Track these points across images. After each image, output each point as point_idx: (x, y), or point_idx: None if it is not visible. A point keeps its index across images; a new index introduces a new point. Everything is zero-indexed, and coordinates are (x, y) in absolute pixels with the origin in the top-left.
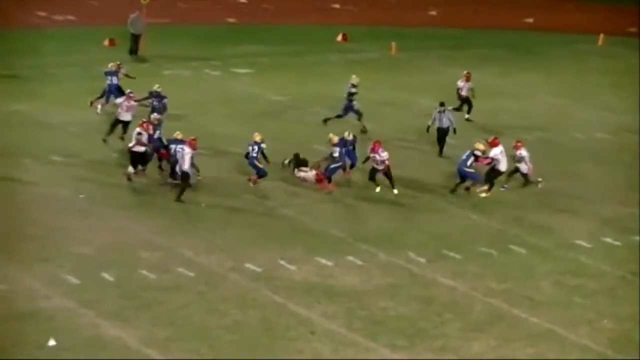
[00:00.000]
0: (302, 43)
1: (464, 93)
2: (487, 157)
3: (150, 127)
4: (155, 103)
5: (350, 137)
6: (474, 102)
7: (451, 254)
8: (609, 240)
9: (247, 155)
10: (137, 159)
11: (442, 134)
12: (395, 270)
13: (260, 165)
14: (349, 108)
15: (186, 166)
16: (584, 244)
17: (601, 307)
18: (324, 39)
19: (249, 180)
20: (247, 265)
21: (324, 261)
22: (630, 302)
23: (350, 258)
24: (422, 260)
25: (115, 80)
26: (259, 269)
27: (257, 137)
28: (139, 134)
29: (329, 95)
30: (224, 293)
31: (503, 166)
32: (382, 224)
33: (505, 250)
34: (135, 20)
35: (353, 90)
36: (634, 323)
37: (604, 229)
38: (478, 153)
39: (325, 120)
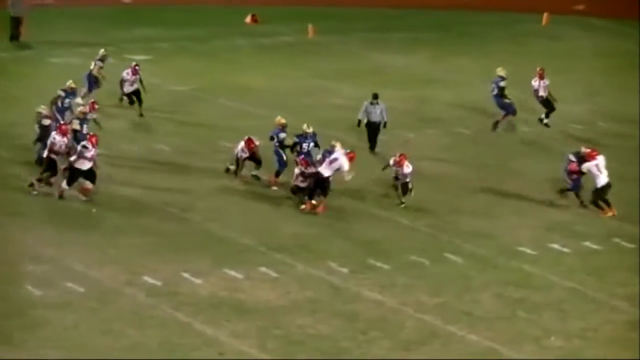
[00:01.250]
0: (206, 26)
1: (542, 93)
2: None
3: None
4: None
5: (310, 130)
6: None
7: (378, 263)
8: (556, 246)
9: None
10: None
11: (373, 129)
12: (314, 283)
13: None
14: (504, 105)
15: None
16: (528, 250)
17: (548, 322)
18: (230, 21)
19: (272, 182)
20: (145, 278)
21: (233, 273)
22: (580, 317)
23: (264, 269)
24: (345, 271)
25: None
26: (158, 283)
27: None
28: (84, 147)
29: (238, 85)
30: (119, 311)
31: (601, 181)
32: (299, 231)
33: (439, 259)
34: (16, 1)
35: (502, 84)
36: (584, 340)
37: (551, 234)
38: (572, 157)
39: (495, 125)
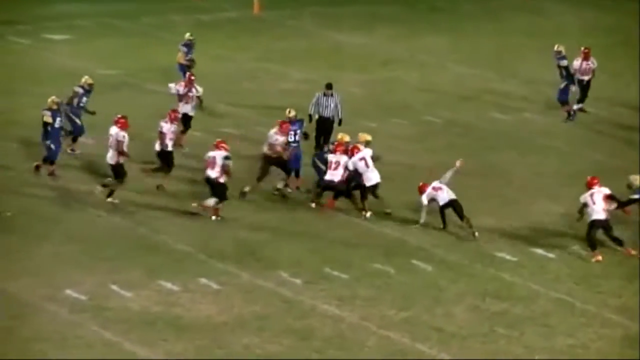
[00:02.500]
0: (136, 0)
1: (585, 77)
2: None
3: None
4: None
5: (293, 115)
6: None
7: (336, 273)
8: (540, 251)
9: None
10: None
11: (325, 126)
12: (262, 295)
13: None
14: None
15: None
16: (507, 256)
17: (531, 339)
18: None
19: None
20: (68, 292)
21: (169, 285)
22: (568, 332)
23: (203, 280)
24: (298, 281)
25: None
26: (83, 297)
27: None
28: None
29: (172, 69)
30: (39, 329)
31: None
32: (244, 236)
33: (406, 267)
34: None
35: (564, 62)
36: (573, 359)
37: (534, 237)
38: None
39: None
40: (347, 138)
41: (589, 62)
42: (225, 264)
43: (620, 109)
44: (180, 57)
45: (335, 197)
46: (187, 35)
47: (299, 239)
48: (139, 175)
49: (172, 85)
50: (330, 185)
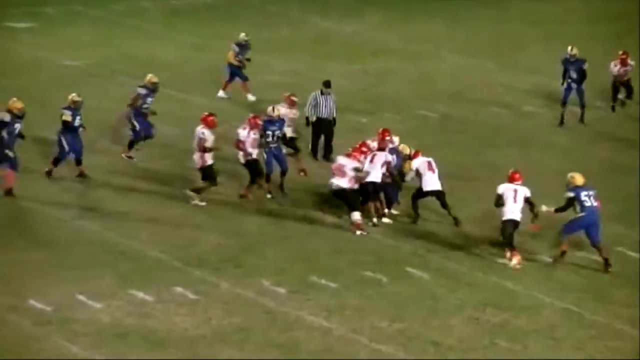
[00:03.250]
0: None
1: (621, 79)
2: None
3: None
4: None
5: (276, 113)
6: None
7: (323, 281)
8: (545, 258)
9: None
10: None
11: (324, 126)
12: (243, 306)
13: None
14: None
15: None
16: (510, 263)
17: (536, 352)
18: None
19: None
20: (32, 302)
21: (141, 295)
22: (575, 345)
23: (179, 290)
24: (282, 291)
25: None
26: (48, 308)
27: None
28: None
29: (143, 59)
30: (0, 343)
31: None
32: (223, 241)
33: (399, 275)
34: None
35: (585, 66)
36: None
37: (538, 243)
38: None
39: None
40: (407, 150)
41: (627, 67)
42: (203, 272)
43: (628, 102)
44: (231, 56)
45: (363, 202)
46: (242, 35)
47: (283, 244)
48: (107, 176)
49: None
50: (339, 192)
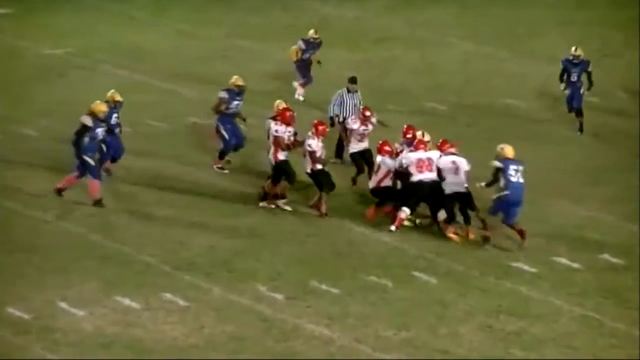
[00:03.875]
0: None
1: None
2: None
3: None
4: None
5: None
6: None
7: (324, 286)
8: (563, 260)
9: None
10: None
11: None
12: (237, 313)
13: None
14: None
15: None
16: (525, 267)
17: None
18: None
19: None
20: (11, 310)
21: (127, 301)
22: (594, 354)
23: (168, 296)
24: (279, 297)
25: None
26: (27, 316)
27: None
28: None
29: (130, 47)
30: None
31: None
32: (216, 243)
33: (405, 280)
34: None
35: (589, 68)
36: None
37: (556, 244)
38: None
39: None
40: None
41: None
42: (194, 277)
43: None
44: (293, 54)
45: (381, 204)
46: (311, 32)
47: (281, 246)
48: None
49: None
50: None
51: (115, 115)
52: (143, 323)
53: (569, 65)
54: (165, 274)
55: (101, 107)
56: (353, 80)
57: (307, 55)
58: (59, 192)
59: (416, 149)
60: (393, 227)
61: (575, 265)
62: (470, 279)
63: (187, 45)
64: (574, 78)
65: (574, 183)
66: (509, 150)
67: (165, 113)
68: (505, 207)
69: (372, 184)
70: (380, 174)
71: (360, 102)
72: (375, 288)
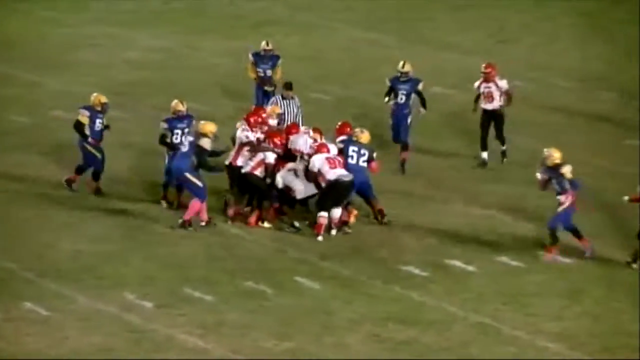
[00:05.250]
0: None
1: None
2: None
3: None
4: None
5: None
6: None
7: (197, 293)
8: (456, 264)
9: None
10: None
11: None
12: (104, 323)
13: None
14: None
15: None
16: (415, 271)
17: None
18: None
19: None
20: None
21: None
22: None
23: (29, 305)
24: (149, 305)
25: None
26: None
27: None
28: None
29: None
30: None
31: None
32: (82, 247)
33: (286, 286)
34: None
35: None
36: None
37: (448, 246)
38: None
39: None
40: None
41: None
42: (59, 285)
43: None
44: (250, 71)
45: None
46: (263, 43)
47: (151, 250)
48: None
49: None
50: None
51: (99, 121)
52: (3, 334)
53: (396, 83)
54: (28, 281)
55: (100, 99)
56: (287, 87)
57: (261, 70)
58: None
59: (319, 152)
60: (320, 237)
61: (471, 268)
62: (356, 284)
63: (51, 33)
64: (401, 99)
65: (469, 181)
66: (362, 135)
67: (26, 106)
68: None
69: (247, 168)
70: (255, 161)
71: (299, 110)
72: (253, 295)
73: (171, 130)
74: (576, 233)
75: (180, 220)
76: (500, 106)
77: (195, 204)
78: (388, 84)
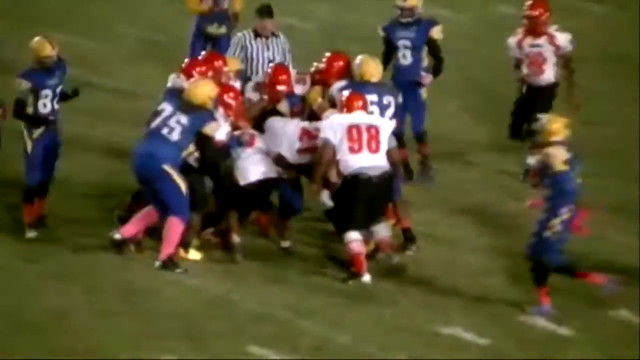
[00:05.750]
0: None
1: None
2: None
3: None
4: None
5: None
6: None
7: None
8: None
9: None
10: None
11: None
12: None
13: None
14: None
15: None
16: None
17: None
18: None
19: None
20: None
21: None
22: None
23: None
24: None
25: None
26: None
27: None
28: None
29: None
30: None
31: None
32: None
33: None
34: None
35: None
36: None
37: None
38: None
39: None
40: None
41: None
42: None
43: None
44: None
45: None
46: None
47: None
48: None
49: None
50: None
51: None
52: None
53: (395, 30)
54: None
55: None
56: (264, 13)
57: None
58: None
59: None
60: (366, 277)
61: None
62: None
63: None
64: (404, 56)
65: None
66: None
67: None
68: None
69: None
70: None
71: (286, 54)
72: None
73: (35, 90)
74: None
75: (158, 262)
76: (556, 78)
77: (173, 226)
78: (382, 33)
